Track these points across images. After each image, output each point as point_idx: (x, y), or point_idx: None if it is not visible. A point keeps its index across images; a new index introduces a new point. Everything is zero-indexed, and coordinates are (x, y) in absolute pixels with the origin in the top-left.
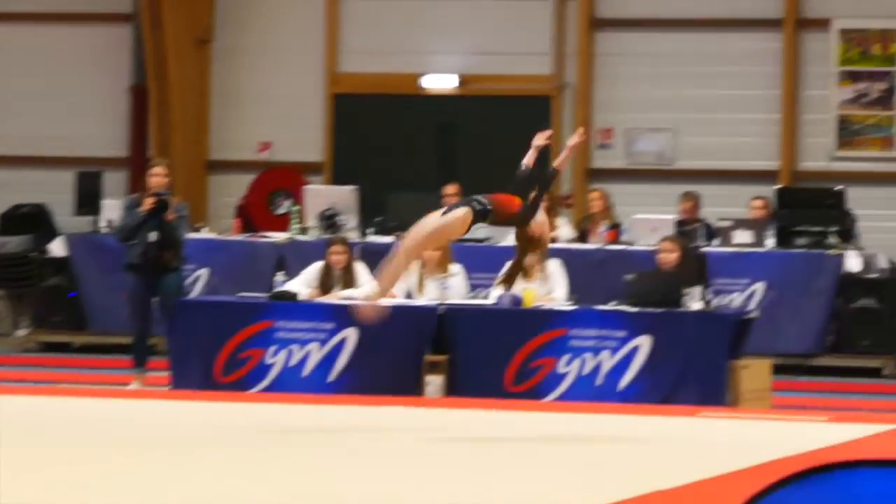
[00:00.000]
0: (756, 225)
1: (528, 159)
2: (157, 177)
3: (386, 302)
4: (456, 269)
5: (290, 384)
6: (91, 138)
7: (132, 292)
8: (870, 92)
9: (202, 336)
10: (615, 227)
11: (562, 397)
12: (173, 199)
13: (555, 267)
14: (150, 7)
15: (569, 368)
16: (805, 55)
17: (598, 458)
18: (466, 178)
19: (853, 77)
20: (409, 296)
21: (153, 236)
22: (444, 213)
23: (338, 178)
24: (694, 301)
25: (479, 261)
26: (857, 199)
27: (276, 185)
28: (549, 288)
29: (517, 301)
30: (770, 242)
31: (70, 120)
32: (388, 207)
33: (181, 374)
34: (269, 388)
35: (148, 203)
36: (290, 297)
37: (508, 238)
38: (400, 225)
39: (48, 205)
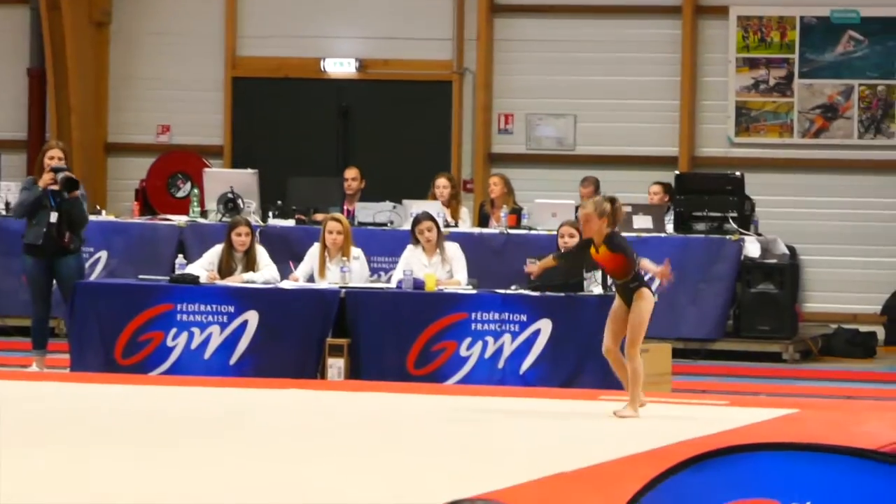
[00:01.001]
0: (655, 210)
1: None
2: (54, 160)
3: (287, 285)
4: (356, 252)
5: (192, 367)
6: None
7: (31, 274)
8: (768, 79)
9: (102, 318)
10: (516, 212)
11: (463, 380)
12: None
13: (454, 250)
14: None
15: (470, 352)
16: (703, 42)
17: (500, 442)
18: (366, 163)
19: (751, 64)
20: (310, 279)
21: (54, 217)
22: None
23: (237, 162)
24: (594, 285)
25: (380, 245)
26: (756, 185)
27: (176, 168)
28: (450, 271)
29: (419, 284)
30: (669, 228)
31: None
32: (288, 191)
33: (81, 357)
34: (169, 371)
35: (47, 179)
36: (191, 279)
37: (407, 223)
38: (300, 209)
39: None
